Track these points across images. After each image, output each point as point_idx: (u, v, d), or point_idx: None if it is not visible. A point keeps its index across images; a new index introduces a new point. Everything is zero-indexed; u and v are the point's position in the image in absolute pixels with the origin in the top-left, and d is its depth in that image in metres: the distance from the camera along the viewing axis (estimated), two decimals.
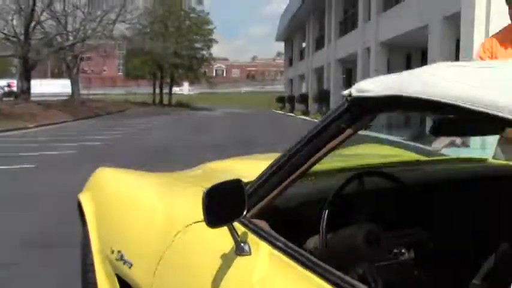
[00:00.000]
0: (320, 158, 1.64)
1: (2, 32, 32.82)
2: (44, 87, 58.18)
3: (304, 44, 43.66)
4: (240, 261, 1.67)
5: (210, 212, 1.61)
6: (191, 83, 74.50)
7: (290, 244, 1.62)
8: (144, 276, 2.25)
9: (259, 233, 1.72)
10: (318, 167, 1.89)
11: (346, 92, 1.54)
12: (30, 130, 22.73)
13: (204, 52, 61.18)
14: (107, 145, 15.53)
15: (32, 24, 32.95)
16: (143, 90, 79.20)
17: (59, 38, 37.74)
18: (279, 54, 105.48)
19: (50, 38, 35.92)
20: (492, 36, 3.29)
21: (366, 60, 23.44)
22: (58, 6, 36.34)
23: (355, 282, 1.40)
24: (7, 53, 35.80)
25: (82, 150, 14.24)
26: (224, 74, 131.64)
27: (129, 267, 2.41)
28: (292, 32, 47.05)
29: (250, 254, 1.65)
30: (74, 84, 44.44)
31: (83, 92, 50.33)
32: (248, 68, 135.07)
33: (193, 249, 2.00)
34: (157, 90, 60.98)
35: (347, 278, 1.41)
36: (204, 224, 1.76)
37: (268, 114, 40.41)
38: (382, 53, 21.92)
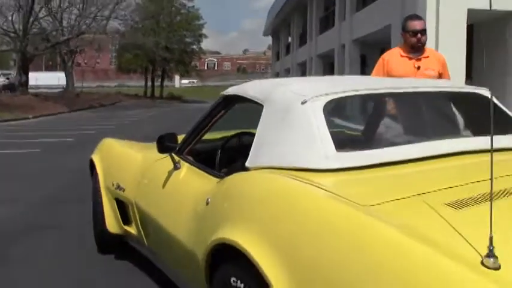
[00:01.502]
0: (212, 125, 3.45)
1: (2, 28, 34.31)
2: (39, 80, 59.74)
3: (289, 39, 45.12)
4: (175, 172, 3.47)
5: (159, 147, 3.43)
6: (182, 76, 76.10)
7: (198, 164, 3.43)
8: (131, 193, 4.06)
9: (186, 160, 3.53)
10: (229, 133, 3.77)
11: (222, 93, 3.38)
12: (30, 120, 24.31)
13: (195, 46, 62.89)
14: (101, 133, 17.04)
15: (30, 20, 34.50)
16: (135, 82, 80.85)
17: (54, 33, 39.14)
18: (269, 47, 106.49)
19: (46, 34, 37.42)
20: (393, 49, 4.84)
21: (342, 56, 25.18)
22: (54, 3, 37.74)
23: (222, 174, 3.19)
24: (6, 48, 37.36)
25: (79, 138, 15.82)
26: (215, 67, 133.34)
27: (123, 191, 4.22)
28: (278, 27, 48.24)
29: (180, 168, 3.46)
30: (69, 77, 45.94)
31: (77, 84, 51.81)
32: (239, 61, 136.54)
33: (156, 172, 3.80)
34: (149, 83, 62.68)
35: (220, 173, 3.21)
36: (162, 160, 3.62)
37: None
38: (355, 50, 23.68)
